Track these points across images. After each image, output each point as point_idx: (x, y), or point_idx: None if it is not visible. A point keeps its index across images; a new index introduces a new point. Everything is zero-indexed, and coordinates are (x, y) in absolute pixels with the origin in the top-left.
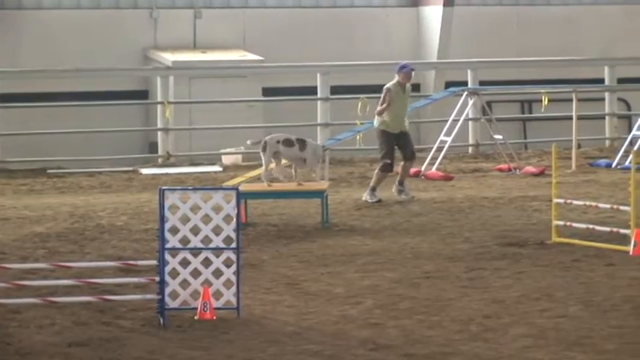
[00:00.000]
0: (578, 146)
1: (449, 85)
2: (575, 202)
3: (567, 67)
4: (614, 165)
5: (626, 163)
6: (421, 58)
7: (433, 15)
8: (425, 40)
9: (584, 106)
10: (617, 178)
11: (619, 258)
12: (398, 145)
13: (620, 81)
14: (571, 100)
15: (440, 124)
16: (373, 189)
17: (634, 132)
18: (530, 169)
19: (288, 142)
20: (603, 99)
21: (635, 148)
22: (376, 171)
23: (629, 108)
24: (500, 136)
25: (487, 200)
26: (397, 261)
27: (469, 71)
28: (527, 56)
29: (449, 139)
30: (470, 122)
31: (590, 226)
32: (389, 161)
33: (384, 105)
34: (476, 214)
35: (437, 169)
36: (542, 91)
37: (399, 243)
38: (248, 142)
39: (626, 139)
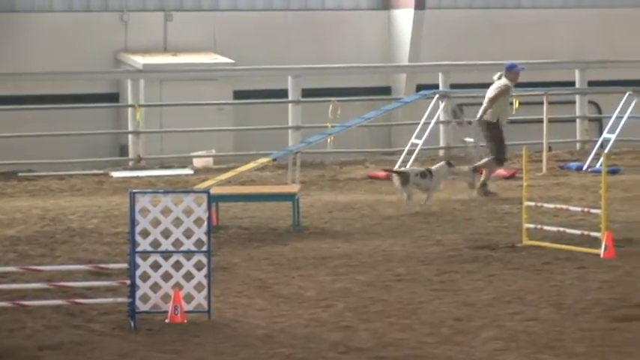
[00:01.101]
0: (549, 149)
1: (420, 88)
2: (546, 205)
3: (538, 70)
4: (584, 168)
5: (597, 165)
6: (392, 61)
7: (404, 18)
8: (396, 43)
9: (555, 108)
10: (588, 181)
11: (590, 261)
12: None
13: (591, 84)
14: (542, 103)
15: (411, 127)
16: (484, 184)
17: (605, 135)
18: (501, 172)
19: (423, 175)
20: (574, 102)
21: (606, 150)
22: (487, 162)
23: (599, 111)
24: (471, 139)
25: (458, 203)
26: (368, 264)
27: (440, 74)
28: (498, 59)
29: (420, 142)
30: (441, 125)
31: (561, 229)
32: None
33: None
34: (447, 217)
35: None
36: (513, 94)
37: (370, 246)
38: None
39: (596, 141)
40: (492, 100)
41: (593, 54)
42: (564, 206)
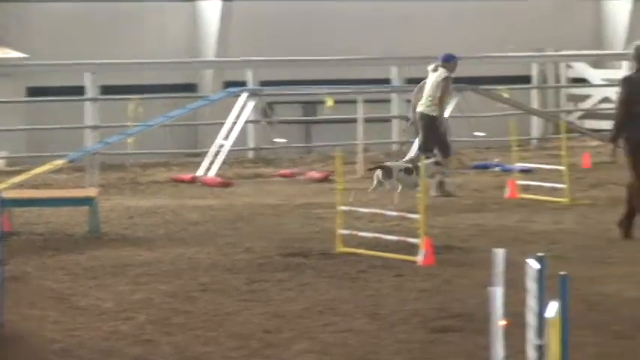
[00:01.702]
0: (365, 150)
1: (227, 85)
2: (362, 210)
3: (353, 67)
4: None
5: None
6: (198, 57)
7: (211, 10)
8: (202, 36)
9: (371, 107)
10: None
11: (408, 268)
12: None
13: (409, 81)
14: (356, 101)
15: (218, 126)
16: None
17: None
18: (314, 174)
19: (408, 171)
20: (390, 100)
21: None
22: (438, 161)
23: None
24: (282, 140)
25: (268, 208)
26: (172, 273)
27: (249, 71)
28: (311, 55)
29: (227, 143)
30: (250, 125)
31: (378, 235)
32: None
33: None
34: (257, 223)
35: (215, 174)
36: (327, 92)
37: (174, 253)
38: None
39: (413, 142)
40: (443, 96)
41: (410, 49)
42: (380, 211)
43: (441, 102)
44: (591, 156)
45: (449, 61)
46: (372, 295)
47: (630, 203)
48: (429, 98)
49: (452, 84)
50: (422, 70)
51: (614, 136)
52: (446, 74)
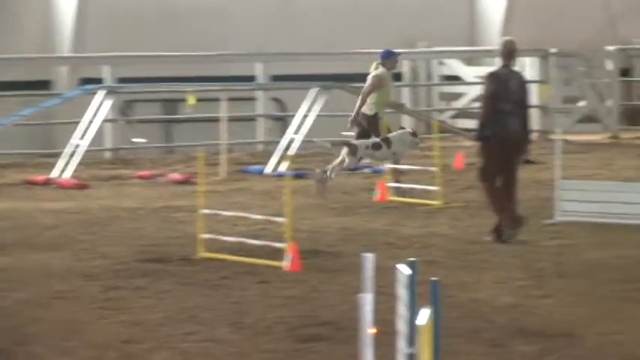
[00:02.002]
0: (229, 151)
1: (84, 82)
2: (225, 213)
3: (216, 64)
4: (267, 171)
5: (281, 169)
6: (52, 52)
7: (66, 3)
8: (56, 31)
9: (235, 106)
10: (272, 185)
11: (273, 275)
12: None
13: (275, 79)
14: (219, 99)
15: (73, 125)
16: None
17: (289, 135)
18: (175, 176)
19: (376, 146)
20: (255, 98)
21: (291, 152)
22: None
23: (283, 108)
24: (142, 140)
25: (127, 211)
26: (26, 279)
27: (106, 67)
28: (172, 51)
29: (84, 143)
30: (107, 124)
31: (242, 240)
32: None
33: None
34: (114, 227)
35: (71, 176)
36: (189, 89)
37: (27, 259)
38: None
39: (280, 142)
40: (365, 95)
41: (277, 46)
42: (245, 214)
43: (364, 98)
44: (465, 156)
45: (388, 57)
46: (236, 302)
47: (502, 204)
48: (371, 98)
49: (392, 81)
50: (289, 67)
51: (480, 135)
52: (376, 72)
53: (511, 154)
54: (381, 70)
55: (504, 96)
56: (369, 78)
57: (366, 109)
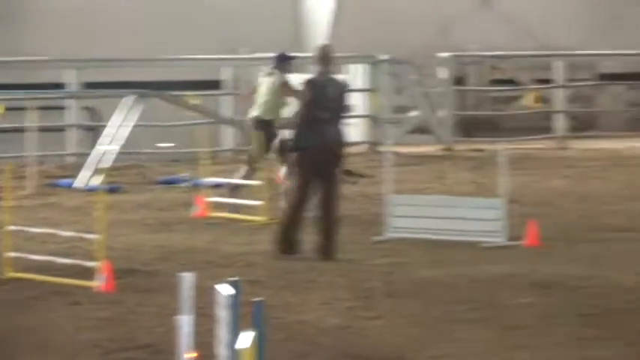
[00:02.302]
0: (38, 163)
1: None
2: (33, 230)
3: (22, 70)
4: (77, 185)
5: (92, 182)
6: None
7: None
8: None
9: (44, 115)
10: (83, 200)
11: (85, 295)
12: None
13: (89, 86)
14: (27, 108)
15: None
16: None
17: (102, 146)
18: None
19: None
20: (64, 107)
21: (105, 164)
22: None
23: (97, 118)
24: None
25: None
26: None
27: None
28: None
29: None
30: None
31: (51, 258)
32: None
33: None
34: None
35: None
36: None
37: None
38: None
39: (91, 154)
40: (281, 101)
41: (88, 52)
42: (54, 231)
43: (277, 107)
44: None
45: (283, 62)
46: (44, 325)
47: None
48: (267, 103)
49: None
50: (103, 74)
51: (296, 145)
52: (283, 79)
53: (328, 164)
54: (280, 75)
55: (322, 103)
56: (278, 86)
57: (266, 115)
